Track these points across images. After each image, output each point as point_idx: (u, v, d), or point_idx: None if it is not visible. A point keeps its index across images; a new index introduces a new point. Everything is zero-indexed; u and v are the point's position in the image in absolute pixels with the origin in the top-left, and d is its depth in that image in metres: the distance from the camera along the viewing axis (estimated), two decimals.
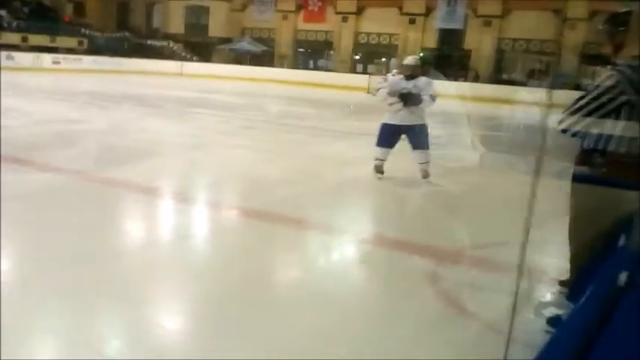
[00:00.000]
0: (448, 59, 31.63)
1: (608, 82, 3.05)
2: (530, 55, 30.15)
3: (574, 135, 3.22)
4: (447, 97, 19.27)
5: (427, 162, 7.51)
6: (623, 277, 1.43)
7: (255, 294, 3.80)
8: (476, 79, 30.67)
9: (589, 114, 3.12)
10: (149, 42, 36.48)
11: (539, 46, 29.97)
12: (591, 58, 29.05)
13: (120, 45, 35.70)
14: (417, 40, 33.32)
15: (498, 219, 6.03)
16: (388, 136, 7.56)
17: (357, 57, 35.72)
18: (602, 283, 1.48)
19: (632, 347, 1.07)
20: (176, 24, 38.22)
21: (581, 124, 3.16)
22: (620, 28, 3.33)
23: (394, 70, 8.42)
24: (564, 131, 3.41)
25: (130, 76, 27.46)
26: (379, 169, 7.68)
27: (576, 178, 3.18)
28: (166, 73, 30.23)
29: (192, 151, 9.43)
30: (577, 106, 3.15)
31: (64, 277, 3.82)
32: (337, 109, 20.00)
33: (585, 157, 3.25)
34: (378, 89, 7.63)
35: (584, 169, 3.22)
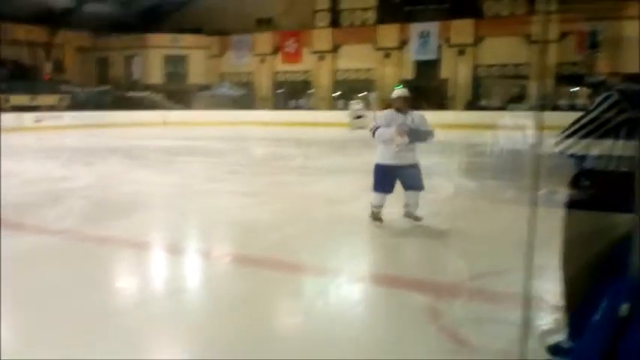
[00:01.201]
0: (426, 90, 31.95)
1: (608, 102, 3.10)
2: (506, 80, 30.63)
3: (571, 157, 3.26)
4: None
5: (417, 204, 7.03)
6: (624, 308, 1.46)
7: (255, 344, 3.78)
8: (442, 106, 30.95)
9: (588, 134, 3.15)
10: (130, 94, 36.62)
11: (514, 70, 30.46)
12: (565, 79, 29.59)
13: (101, 99, 35.77)
14: (394, 74, 33.75)
15: (492, 248, 6.06)
16: (386, 179, 7.00)
17: (337, 94, 36.05)
18: (604, 315, 1.51)
19: None
20: (155, 74, 38.45)
21: (580, 145, 3.19)
22: (595, 54, 3.43)
23: (355, 104, 8.10)
24: (560, 153, 3.45)
25: (114, 129, 27.51)
26: (377, 217, 7.14)
27: (568, 204, 3.21)
28: (149, 124, 30.28)
29: (180, 201, 9.43)
30: (576, 127, 3.19)
31: (59, 339, 3.79)
32: (322, 147, 20.12)
33: (575, 180, 3.29)
34: (374, 130, 6.96)
35: (575, 194, 3.26)
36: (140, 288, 5.26)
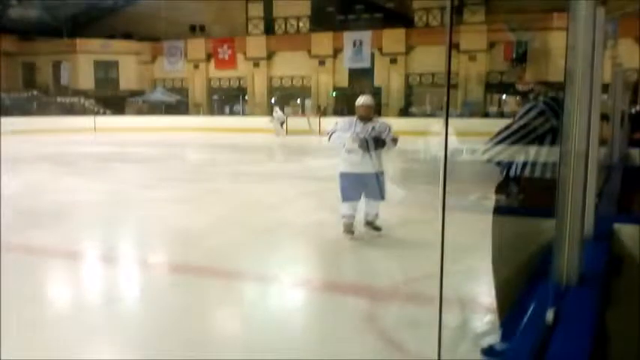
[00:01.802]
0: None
1: (534, 111, 3.24)
2: (437, 88, 31.35)
3: (498, 164, 3.38)
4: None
5: (376, 213, 6.89)
6: (550, 314, 1.54)
7: (194, 353, 3.75)
8: (377, 114, 31.24)
9: (515, 143, 3.28)
10: (59, 99, 35.58)
11: (444, 78, 31.19)
12: (494, 87, 30.64)
13: (28, 105, 34.63)
14: (329, 81, 34.10)
15: (427, 253, 6.14)
16: (352, 188, 6.74)
17: (273, 100, 36.07)
18: (530, 322, 1.59)
19: None
20: (85, 80, 37.47)
21: (507, 153, 3.32)
22: (523, 64, 3.60)
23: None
24: (489, 161, 3.57)
25: (42, 136, 26.60)
26: (348, 229, 6.80)
27: (497, 210, 3.32)
28: (80, 130, 29.43)
29: (112, 208, 9.24)
30: (503, 135, 3.31)
31: None
32: (257, 153, 20.07)
33: (503, 186, 3.41)
34: (331, 134, 6.77)
35: (503, 200, 3.38)
36: (73, 299, 5.14)
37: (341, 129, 6.75)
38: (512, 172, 3.33)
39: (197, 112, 36.09)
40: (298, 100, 35.21)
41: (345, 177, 6.78)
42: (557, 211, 1.88)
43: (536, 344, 1.39)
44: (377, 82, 33.48)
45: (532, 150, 3.25)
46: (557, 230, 1.89)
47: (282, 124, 27.98)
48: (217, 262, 5.99)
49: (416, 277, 5.31)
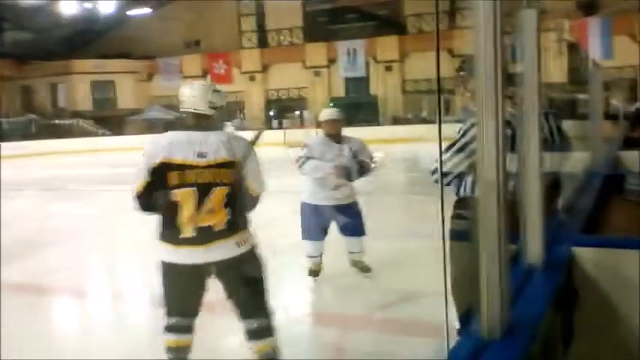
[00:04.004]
0: (357, 106, 32.15)
1: (474, 130, 3.03)
2: (434, 94, 31.09)
3: (448, 184, 3.17)
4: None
5: (362, 251, 5.73)
6: None
7: None
8: (374, 122, 30.83)
9: (461, 161, 3.07)
10: (57, 122, 35.56)
11: (442, 84, 30.95)
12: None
13: (26, 128, 34.66)
14: (325, 91, 33.99)
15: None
16: (316, 223, 5.52)
17: (271, 113, 35.99)
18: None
19: None
20: (83, 100, 37.44)
21: (454, 172, 3.10)
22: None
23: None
24: (436, 182, 3.35)
25: (39, 159, 26.42)
26: (314, 271, 5.71)
27: (451, 235, 3.09)
28: (78, 151, 29.30)
29: (97, 236, 9.03)
30: (449, 154, 3.10)
31: None
32: None
33: (456, 207, 3.18)
34: (303, 161, 5.41)
35: (457, 223, 3.14)
36: (38, 333, 4.95)
37: (313, 154, 5.45)
38: (461, 192, 3.12)
39: None
40: (296, 113, 35.05)
41: (309, 210, 5.58)
42: (474, 245, 1.66)
43: None
44: (373, 90, 33.38)
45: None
46: (478, 271, 1.67)
47: None
48: None
49: (393, 302, 5.08)
